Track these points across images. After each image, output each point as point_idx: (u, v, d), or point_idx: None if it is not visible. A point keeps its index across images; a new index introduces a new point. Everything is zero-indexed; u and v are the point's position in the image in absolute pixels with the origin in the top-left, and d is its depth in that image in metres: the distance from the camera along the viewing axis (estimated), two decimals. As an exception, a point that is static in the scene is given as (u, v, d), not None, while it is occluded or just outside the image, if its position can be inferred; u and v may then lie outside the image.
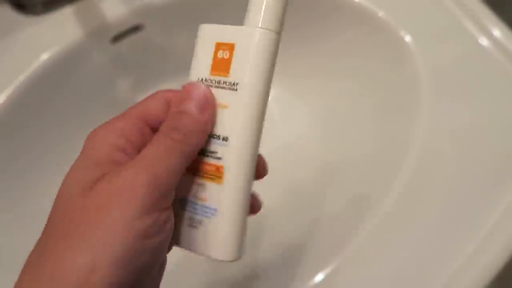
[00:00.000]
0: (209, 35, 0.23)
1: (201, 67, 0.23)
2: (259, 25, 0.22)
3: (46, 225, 0.20)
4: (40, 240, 0.20)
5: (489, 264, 0.33)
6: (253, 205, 0.25)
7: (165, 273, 0.24)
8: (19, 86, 0.36)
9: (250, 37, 0.22)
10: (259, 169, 0.25)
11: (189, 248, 0.23)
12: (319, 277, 0.35)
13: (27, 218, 0.36)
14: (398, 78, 0.41)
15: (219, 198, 0.22)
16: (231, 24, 0.23)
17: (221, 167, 0.22)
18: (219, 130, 0.22)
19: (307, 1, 0.42)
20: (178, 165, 0.21)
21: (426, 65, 0.39)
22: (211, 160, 0.22)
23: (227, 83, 0.22)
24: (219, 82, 0.22)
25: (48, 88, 0.38)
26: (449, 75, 0.39)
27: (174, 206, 0.22)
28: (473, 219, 0.35)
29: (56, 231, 0.19)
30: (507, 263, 0.33)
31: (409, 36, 0.40)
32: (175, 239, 0.23)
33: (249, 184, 0.23)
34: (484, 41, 0.39)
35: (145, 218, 0.19)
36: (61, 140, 0.39)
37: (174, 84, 0.25)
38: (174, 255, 0.24)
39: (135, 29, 0.41)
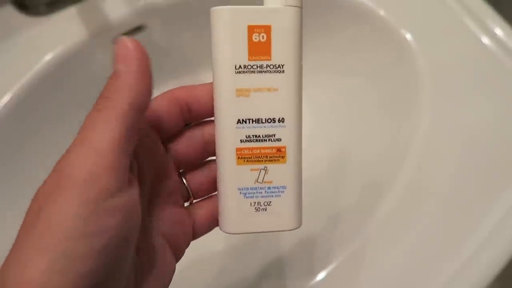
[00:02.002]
0: (234, 18, 0.22)
1: (233, 54, 0.22)
2: (287, 3, 0.22)
3: None
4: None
5: (491, 264, 0.33)
6: None
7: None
8: (22, 87, 0.36)
9: (285, 17, 0.22)
10: None
11: (257, 230, 0.24)
12: (321, 275, 0.35)
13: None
14: (399, 76, 0.42)
15: (286, 176, 0.23)
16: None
17: (283, 147, 0.23)
18: (274, 113, 0.23)
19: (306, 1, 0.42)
20: (111, 137, 0.18)
21: (427, 63, 0.39)
22: (270, 144, 0.23)
23: (272, 66, 0.22)
24: (261, 66, 0.22)
25: (51, 89, 0.38)
26: (451, 73, 0.39)
27: (234, 196, 0.23)
28: (475, 218, 0.35)
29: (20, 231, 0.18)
30: (508, 262, 0.33)
31: (410, 35, 0.40)
32: (234, 227, 0.24)
33: (301, 156, 0.24)
34: (485, 40, 0.39)
35: (78, 213, 0.17)
36: (65, 140, 0.39)
37: (177, 84, 0.25)
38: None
39: (138, 29, 0.41)
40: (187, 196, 0.25)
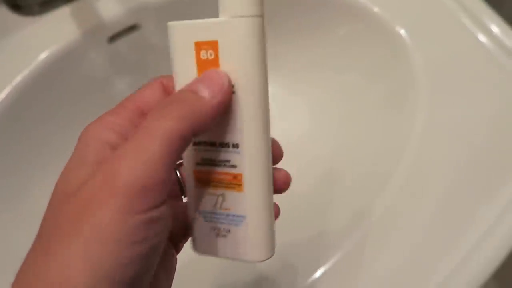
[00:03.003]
0: (184, 34, 0.20)
1: (185, 73, 0.20)
2: (239, 13, 0.19)
3: (38, 230, 0.19)
4: (32, 247, 0.19)
5: (487, 262, 0.33)
6: (283, 180, 0.24)
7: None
8: (16, 86, 0.36)
9: (233, 30, 0.19)
10: (275, 154, 0.23)
11: (218, 255, 0.23)
12: (317, 274, 0.35)
13: (25, 217, 0.36)
14: (394, 73, 0.41)
15: (244, 205, 0.21)
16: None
17: (239, 175, 0.21)
18: (227, 137, 0.21)
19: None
20: (166, 151, 0.18)
21: (422, 60, 0.39)
22: (226, 170, 0.21)
23: None
24: None
25: (45, 88, 0.38)
26: (446, 71, 0.39)
27: (196, 218, 0.22)
28: (471, 216, 0.35)
29: (41, 241, 0.18)
30: (505, 261, 0.33)
31: (404, 31, 0.40)
32: (199, 248, 0.23)
33: (270, 186, 0.22)
34: (481, 37, 0.39)
35: (127, 222, 0.17)
36: (59, 139, 0.39)
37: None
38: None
39: (132, 28, 0.41)
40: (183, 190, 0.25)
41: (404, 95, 0.40)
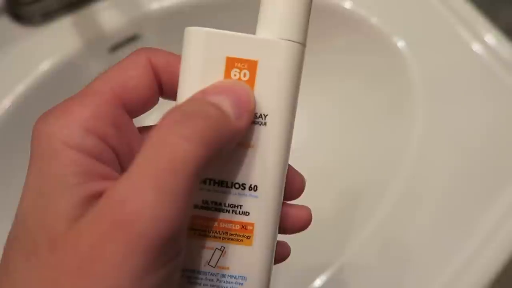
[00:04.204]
0: (211, 44, 0.16)
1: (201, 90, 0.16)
2: (286, 36, 0.17)
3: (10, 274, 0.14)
4: None
5: (487, 268, 0.33)
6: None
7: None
8: (18, 96, 0.36)
9: (279, 53, 0.16)
10: (296, 189, 0.19)
11: None
12: (317, 282, 0.35)
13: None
14: (392, 83, 0.42)
15: (249, 263, 0.18)
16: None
17: (251, 224, 0.17)
18: (244, 177, 0.17)
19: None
20: (189, 185, 0.13)
21: (420, 71, 0.39)
22: (235, 217, 0.17)
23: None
24: None
25: (47, 98, 0.38)
26: (443, 81, 0.39)
27: (178, 280, 0.17)
28: (470, 223, 0.35)
29: None
30: (505, 266, 0.33)
31: (402, 43, 0.40)
32: None
33: (276, 239, 0.18)
34: (477, 47, 0.40)
35: (142, 284, 0.13)
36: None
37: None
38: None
39: (133, 38, 0.41)
40: None
41: (402, 105, 0.40)
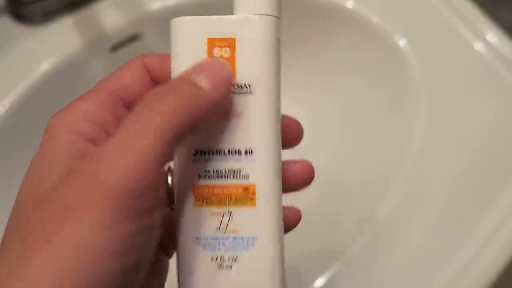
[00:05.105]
0: (193, 30, 0.18)
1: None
2: (259, 11, 0.18)
3: (2, 239, 0.16)
4: None
5: (489, 268, 0.33)
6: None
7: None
8: (19, 96, 0.36)
9: (253, 28, 0.18)
10: (295, 134, 0.21)
11: None
12: (319, 281, 0.35)
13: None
14: (394, 82, 0.42)
15: (256, 224, 0.19)
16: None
17: (252, 186, 0.19)
18: (238, 143, 0.18)
19: (299, 8, 0.42)
20: (160, 149, 0.15)
21: (421, 69, 0.39)
22: (236, 181, 0.19)
23: (237, 86, 0.18)
24: None
25: (48, 98, 0.38)
26: (445, 79, 0.39)
27: (192, 248, 0.19)
28: (472, 221, 0.35)
29: (5, 257, 0.15)
30: (507, 266, 0.33)
31: (403, 42, 0.40)
32: None
33: (281, 198, 0.19)
34: (478, 46, 0.40)
35: (111, 233, 0.14)
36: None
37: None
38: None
39: (134, 38, 0.41)
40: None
41: (403, 104, 0.40)
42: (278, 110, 0.19)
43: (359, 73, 0.44)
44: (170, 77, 0.19)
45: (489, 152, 0.37)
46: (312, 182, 0.22)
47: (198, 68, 0.17)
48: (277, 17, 0.19)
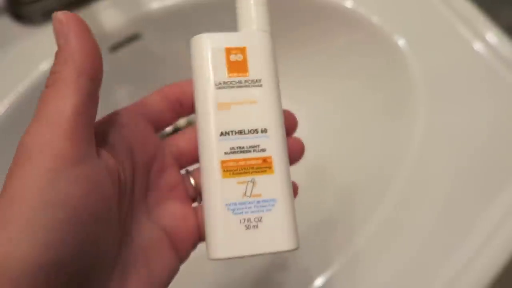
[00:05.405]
0: (212, 43, 0.24)
1: (214, 72, 0.24)
2: (258, 28, 0.24)
3: None
4: None
5: (488, 268, 0.33)
6: (296, 149, 0.26)
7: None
8: (19, 96, 0.36)
9: (258, 39, 0.24)
10: (291, 124, 0.26)
11: (248, 252, 0.22)
12: (318, 281, 0.35)
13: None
14: (393, 81, 0.42)
15: (275, 188, 0.23)
16: (225, 30, 0.24)
17: (269, 157, 0.23)
18: (256, 124, 0.23)
19: (299, 8, 0.43)
20: (60, 112, 0.18)
21: (421, 69, 0.39)
22: (255, 154, 0.23)
23: (250, 81, 0.24)
24: (240, 81, 0.23)
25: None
26: (444, 80, 0.39)
27: (223, 214, 0.22)
28: (471, 222, 0.35)
29: None
30: (506, 265, 0.33)
31: (402, 41, 0.40)
32: (224, 251, 0.22)
33: (289, 167, 0.24)
34: (478, 46, 0.40)
35: (35, 186, 0.17)
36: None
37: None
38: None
39: (133, 38, 0.41)
40: (196, 196, 0.25)
41: (403, 103, 0.40)
42: (280, 96, 0.24)
43: (358, 72, 0.44)
44: (193, 83, 0.24)
45: (489, 151, 0.37)
46: (303, 155, 0.27)
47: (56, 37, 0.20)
48: (269, 32, 0.25)
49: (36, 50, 0.38)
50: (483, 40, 0.40)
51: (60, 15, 0.20)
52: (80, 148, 0.18)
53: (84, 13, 0.39)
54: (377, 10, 0.41)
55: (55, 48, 0.20)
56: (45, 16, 0.39)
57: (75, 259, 0.17)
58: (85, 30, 0.20)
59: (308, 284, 0.35)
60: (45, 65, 0.37)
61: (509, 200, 0.35)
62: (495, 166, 0.37)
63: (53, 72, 0.19)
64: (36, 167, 0.17)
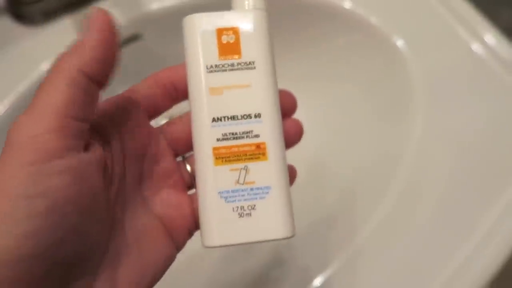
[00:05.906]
0: (203, 23, 0.23)
1: (203, 55, 0.22)
2: (252, 7, 0.23)
3: None
4: None
5: (487, 265, 0.33)
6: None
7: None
8: (19, 96, 0.36)
9: (250, 19, 0.23)
10: (289, 105, 0.25)
11: (241, 240, 0.22)
12: (317, 280, 0.35)
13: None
14: (392, 83, 0.42)
15: (269, 175, 0.22)
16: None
17: (263, 143, 0.22)
18: (248, 109, 0.22)
19: (297, 9, 0.43)
20: (49, 105, 0.18)
21: (419, 70, 0.40)
22: (249, 140, 0.22)
23: (243, 64, 0.22)
24: (232, 64, 0.22)
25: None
26: (442, 81, 0.39)
27: (215, 201, 0.22)
28: (469, 222, 0.35)
29: None
30: (504, 265, 0.34)
31: (401, 42, 0.40)
32: (216, 239, 0.22)
33: (285, 153, 0.23)
34: (476, 47, 0.40)
35: (17, 178, 0.17)
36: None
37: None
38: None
39: (133, 38, 0.41)
40: (192, 183, 0.25)
41: (401, 104, 0.40)
42: (276, 81, 0.23)
43: (357, 73, 0.44)
44: (186, 64, 0.23)
45: (487, 152, 0.37)
46: (302, 137, 0.25)
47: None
48: (265, 10, 0.23)
49: (37, 50, 0.38)
50: (482, 41, 0.40)
51: (94, 10, 0.20)
52: (66, 141, 0.18)
53: (84, 13, 0.39)
54: (375, 11, 0.41)
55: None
56: (46, 16, 0.39)
57: (58, 249, 0.17)
58: (108, 32, 0.20)
59: (307, 283, 0.35)
60: (46, 65, 0.37)
61: (508, 201, 0.35)
62: (493, 166, 0.37)
63: (57, 59, 0.19)
64: (17, 160, 0.17)
